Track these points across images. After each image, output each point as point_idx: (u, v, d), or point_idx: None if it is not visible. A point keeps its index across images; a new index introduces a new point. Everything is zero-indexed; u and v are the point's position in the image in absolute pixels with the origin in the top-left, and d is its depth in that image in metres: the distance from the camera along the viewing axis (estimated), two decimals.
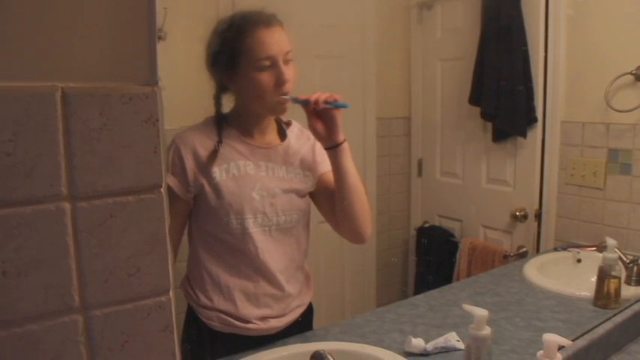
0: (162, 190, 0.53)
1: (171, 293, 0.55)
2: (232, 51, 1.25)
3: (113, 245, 0.51)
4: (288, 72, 1.25)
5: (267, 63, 1.23)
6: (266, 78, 1.24)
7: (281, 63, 1.24)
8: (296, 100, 1.26)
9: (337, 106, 1.25)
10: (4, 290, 0.46)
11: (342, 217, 1.36)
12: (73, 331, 0.50)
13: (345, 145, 1.30)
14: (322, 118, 1.27)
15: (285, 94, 1.25)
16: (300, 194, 1.35)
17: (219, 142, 1.29)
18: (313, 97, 1.24)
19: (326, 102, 1.24)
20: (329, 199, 1.37)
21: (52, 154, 0.47)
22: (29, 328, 0.48)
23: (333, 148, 1.29)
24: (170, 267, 0.54)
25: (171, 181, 1.24)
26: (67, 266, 0.49)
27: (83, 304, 0.50)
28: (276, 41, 1.24)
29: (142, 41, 0.51)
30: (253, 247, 1.29)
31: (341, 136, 1.28)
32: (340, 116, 1.27)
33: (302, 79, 2.20)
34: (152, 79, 0.52)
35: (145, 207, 0.52)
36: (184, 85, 1.49)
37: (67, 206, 0.48)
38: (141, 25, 0.51)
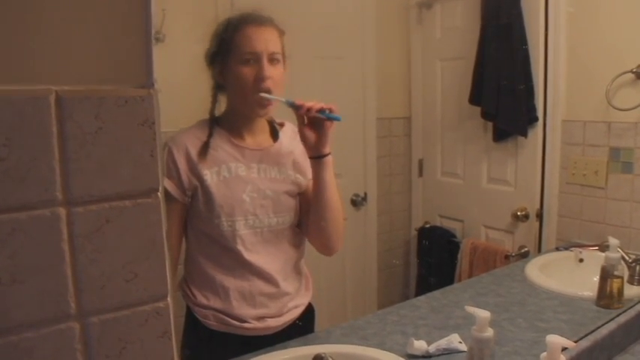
0: (159, 194, 0.52)
1: (169, 299, 0.54)
2: (223, 45, 1.27)
3: (110, 251, 0.50)
4: (272, 70, 1.26)
5: (250, 57, 1.25)
6: (247, 72, 1.25)
7: (264, 60, 1.25)
8: (289, 103, 1.25)
9: (329, 117, 1.24)
10: None
11: (314, 228, 1.37)
12: (70, 339, 0.49)
13: (329, 158, 1.30)
14: (314, 126, 1.26)
15: (264, 91, 1.25)
16: (291, 195, 1.35)
17: (209, 138, 1.30)
18: (308, 104, 1.23)
19: (319, 111, 1.23)
20: (308, 205, 1.38)
21: (47, 158, 0.46)
22: (25, 335, 0.47)
23: (317, 158, 1.29)
24: (168, 272, 0.54)
25: (167, 184, 1.25)
26: (63, 273, 0.48)
27: (80, 310, 0.49)
28: (263, 39, 1.25)
29: (137, 43, 0.51)
30: (244, 249, 1.30)
31: (327, 148, 1.28)
32: (332, 128, 1.26)
33: (302, 80, 2.20)
34: (148, 82, 0.51)
35: (142, 211, 0.51)
36: (183, 87, 1.49)
37: (62, 211, 0.47)
38: (136, 27, 0.50)
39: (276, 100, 1.27)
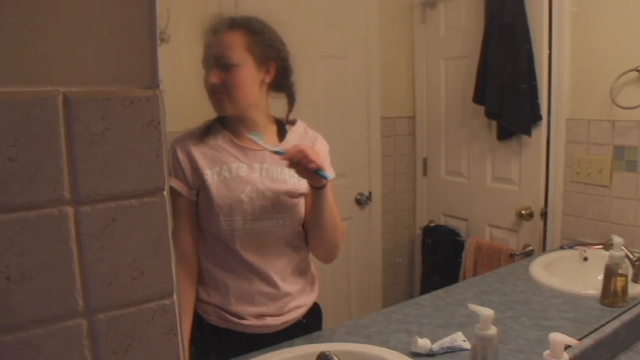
0: (164, 193, 0.53)
1: (175, 296, 0.55)
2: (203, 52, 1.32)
3: (116, 249, 0.51)
4: (225, 77, 1.26)
5: (207, 64, 1.29)
6: (205, 77, 1.29)
7: (214, 66, 1.27)
8: (274, 152, 1.23)
9: (318, 173, 1.21)
10: (8, 295, 0.46)
11: (312, 243, 1.40)
12: (78, 335, 0.50)
13: (325, 190, 1.28)
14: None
15: (214, 93, 1.28)
16: (293, 196, 1.34)
17: (210, 138, 1.33)
18: (295, 159, 1.20)
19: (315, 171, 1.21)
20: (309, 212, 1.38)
21: (55, 158, 0.47)
22: (34, 332, 0.48)
23: (313, 187, 1.28)
24: (174, 270, 0.54)
25: (174, 183, 1.27)
26: (71, 270, 0.49)
27: (87, 308, 0.50)
28: (218, 45, 1.28)
29: (143, 44, 0.51)
30: (242, 249, 1.31)
31: (321, 184, 1.26)
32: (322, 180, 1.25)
33: (306, 79, 2.20)
34: (153, 83, 0.52)
35: (148, 210, 0.52)
36: (188, 87, 1.50)
37: (70, 210, 0.48)
38: (142, 28, 0.51)
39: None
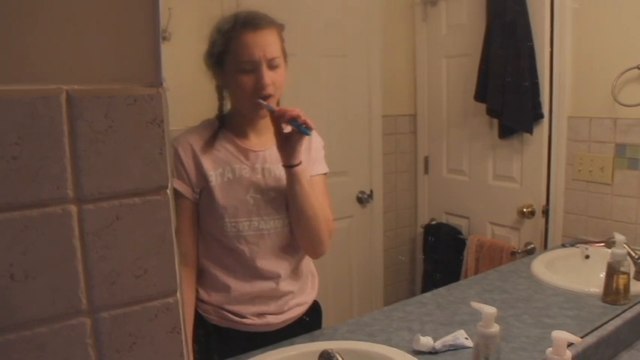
0: (167, 191, 0.53)
1: (178, 294, 0.55)
2: (221, 50, 1.26)
3: (120, 247, 0.51)
4: (272, 76, 1.24)
5: (249, 66, 1.23)
6: (246, 80, 1.24)
7: (263, 67, 1.23)
8: (268, 107, 1.24)
9: (298, 127, 1.21)
10: (12, 293, 0.46)
11: (294, 229, 1.35)
12: (81, 334, 0.50)
13: (296, 170, 1.26)
14: (288, 135, 1.24)
15: (265, 98, 1.24)
16: None
17: (213, 139, 1.30)
18: (283, 108, 1.22)
19: (291, 120, 1.21)
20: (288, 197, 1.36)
21: (58, 156, 0.47)
22: (37, 331, 0.48)
23: (286, 167, 1.27)
24: (177, 268, 0.54)
25: (177, 185, 1.25)
26: (74, 269, 0.49)
27: (91, 306, 0.50)
28: (259, 45, 1.23)
29: (146, 42, 0.51)
30: (248, 251, 1.30)
31: (294, 160, 1.25)
32: (300, 141, 1.24)
33: (308, 78, 2.20)
34: (157, 81, 0.52)
35: (151, 208, 0.52)
36: (190, 86, 1.49)
37: (73, 209, 0.48)
38: (145, 26, 0.51)
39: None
